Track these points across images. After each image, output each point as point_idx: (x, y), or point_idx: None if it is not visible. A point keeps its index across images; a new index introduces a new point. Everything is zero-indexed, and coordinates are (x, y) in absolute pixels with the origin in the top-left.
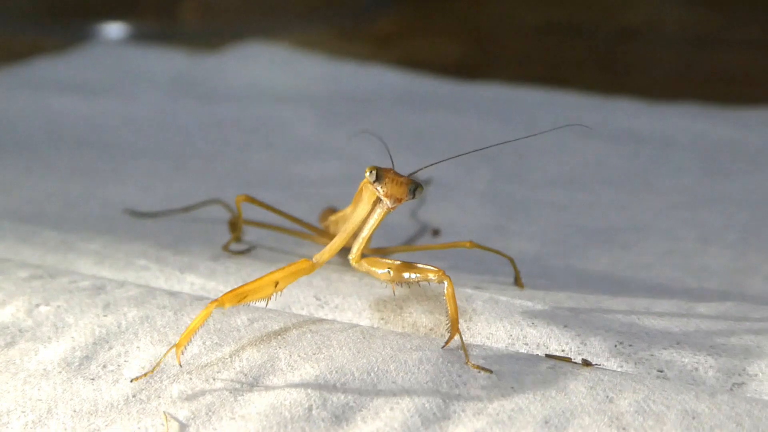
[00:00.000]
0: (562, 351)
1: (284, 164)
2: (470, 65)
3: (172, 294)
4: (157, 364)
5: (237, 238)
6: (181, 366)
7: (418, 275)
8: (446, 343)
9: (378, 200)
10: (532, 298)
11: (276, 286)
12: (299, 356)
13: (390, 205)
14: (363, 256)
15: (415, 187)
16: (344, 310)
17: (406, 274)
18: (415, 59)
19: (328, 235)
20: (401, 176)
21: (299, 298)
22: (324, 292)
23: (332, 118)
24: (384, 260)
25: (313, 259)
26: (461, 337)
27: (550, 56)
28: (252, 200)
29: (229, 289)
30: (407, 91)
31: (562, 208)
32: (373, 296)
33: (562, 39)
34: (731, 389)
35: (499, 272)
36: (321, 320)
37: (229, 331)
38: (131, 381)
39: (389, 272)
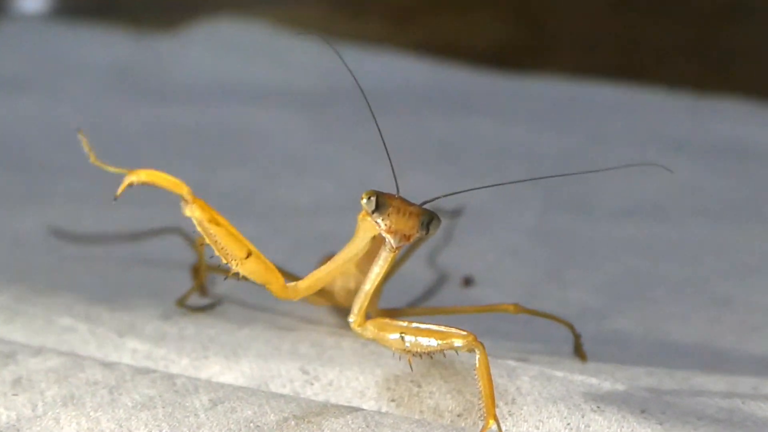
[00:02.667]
0: None
1: (263, 186)
2: (518, 52)
3: (107, 365)
4: None
5: (201, 289)
6: None
7: (440, 342)
8: None
9: (380, 239)
10: (597, 373)
11: (248, 256)
12: None
13: (394, 245)
14: (368, 317)
15: (429, 219)
16: (341, 388)
17: (425, 341)
18: (444, 43)
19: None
20: (410, 204)
21: (280, 371)
22: (314, 362)
23: (328, 123)
24: (396, 322)
25: (289, 285)
26: (499, 427)
27: (627, 40)
28: None
29: (184, 355)
30: (432, 87)
31: (639, 248)
32: (380, 369)
33: (644, 17)
34: None
35: (553, 337)
36: (309, 403)
37: (184, 417)
38: None
39: (402, 338)
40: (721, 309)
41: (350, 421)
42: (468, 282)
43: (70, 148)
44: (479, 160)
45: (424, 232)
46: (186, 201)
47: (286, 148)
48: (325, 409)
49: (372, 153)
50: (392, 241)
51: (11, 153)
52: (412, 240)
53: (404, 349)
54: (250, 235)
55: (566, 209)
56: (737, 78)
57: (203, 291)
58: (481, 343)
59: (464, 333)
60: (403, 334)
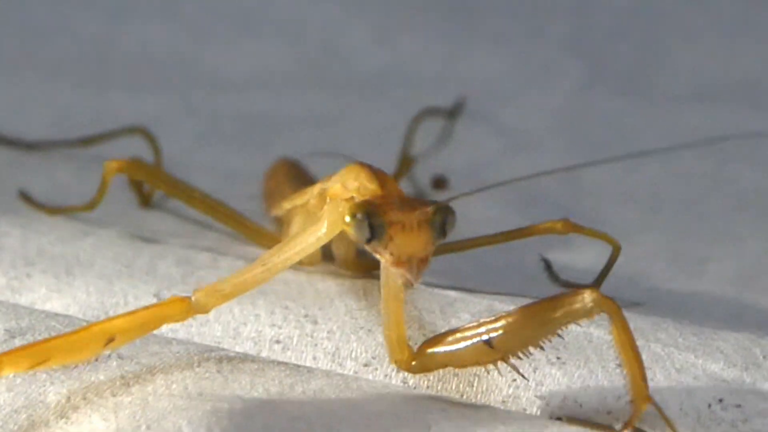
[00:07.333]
0: (608, 413)
1: (186, 48)
2: None
3: None
4: None
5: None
6: None
7: (553, 320)
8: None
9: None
10: None
11: (108, 343)
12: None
13: (414, 280)
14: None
15: (443, 219)
16: (208, 323)
17: (526, 330)
18: None
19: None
20: (413, 207)
21: (128, 297)
22: (177, 286)
23: None
24: (454, 331)
25: (192, 298)
26: (659, 409)
27: None
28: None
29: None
30: None
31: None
32: (264, 298)
33: None
34: None
35: (505, 263)
36: (150, 342)
37: None
38: None
39: (489, 344)
40: None
41: (202, 372)
42: (440, 183)
43: None
44: (499, 18)
45: (441, 239)
46: None
47: None
48: (168, 355)
49: (339, 9)
50: (409, 276)
51: None
52: (429, 262)
53: (499, 358)
54: (156, 112)
55: (614, 86)
56: None
57: (146, 201)
58: (610, 299)
59: (576, 290)
60: (488, 338)
